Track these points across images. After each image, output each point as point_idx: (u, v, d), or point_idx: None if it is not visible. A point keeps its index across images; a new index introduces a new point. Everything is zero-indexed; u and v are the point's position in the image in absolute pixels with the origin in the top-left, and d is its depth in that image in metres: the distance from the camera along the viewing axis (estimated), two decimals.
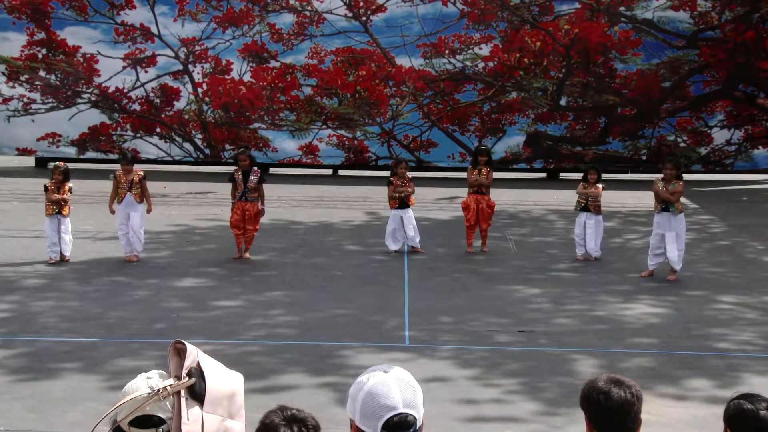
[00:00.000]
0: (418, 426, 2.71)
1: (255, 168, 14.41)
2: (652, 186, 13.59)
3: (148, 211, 14.38)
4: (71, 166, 15.32)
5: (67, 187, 14.06)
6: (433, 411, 6.88)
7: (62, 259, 13.88)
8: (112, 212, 14.28)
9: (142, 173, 14.36)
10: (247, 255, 14.34)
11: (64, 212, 13.91)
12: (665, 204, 13.17)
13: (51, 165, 14.41)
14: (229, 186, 14.68)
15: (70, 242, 13.97)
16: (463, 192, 15.88)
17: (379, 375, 2.75)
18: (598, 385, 3.24)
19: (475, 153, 15.75)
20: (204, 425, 2.47)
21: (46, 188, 14.06)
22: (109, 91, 24.25)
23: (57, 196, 13.90)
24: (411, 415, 2.69)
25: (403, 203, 14.86)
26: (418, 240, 14.93)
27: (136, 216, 14.09)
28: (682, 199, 14.52)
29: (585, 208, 14.52)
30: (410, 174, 15.34)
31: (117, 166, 15.35)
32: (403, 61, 23.99)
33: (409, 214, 14.86)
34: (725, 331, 10.73)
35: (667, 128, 24.31)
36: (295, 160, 24.61)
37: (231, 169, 15.32)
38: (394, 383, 2.72)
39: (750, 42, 23.63)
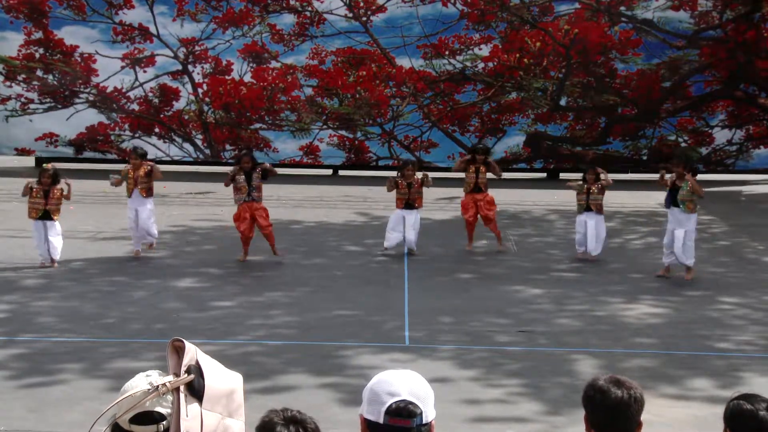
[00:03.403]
0: (424, 421, 2.68)
1: (257, 168, 14.32)
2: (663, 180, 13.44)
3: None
4: (69, 166, 15.29)
5: (58, 192, 13.53)
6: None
7: (51, 264, 13.37)
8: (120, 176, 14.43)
9: (149, 166, 14.35)
10: (278, 252, 14.18)
11: (54, 217, 13.42)
12: (675, 201, 13.12)
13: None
14: (229, 187, 14.52)
15: (59, 246, 13.44)
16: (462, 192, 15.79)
17: (388, 371, 2.80)
18: (598, 383, 3.27)
19: (472, 150, 15.62)
20: (203, 422, 2.47)
21: (31, 190, 13.50)
22: (108, 91, 24.22)
23: (61, 195, 13.59)
24: (416, 404, 2.67)
25: (408, 204, 14.72)
26: (414, 242, 14.65)
27: (143, 211, 14.07)
28: None
29: (587, 208, 14.43)
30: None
31: (115, 166, 15.33)
32: (403, 62, 23.96)
33: (414, 216, 14.62)
34: (725, 331, 10.73)
35: (668, 128, 24.30)
36: (295, 161, 24.59)
37: (231, 169, 15.10)
38: (402, 375, 2.75)
39: (751, 41, 23.61)
